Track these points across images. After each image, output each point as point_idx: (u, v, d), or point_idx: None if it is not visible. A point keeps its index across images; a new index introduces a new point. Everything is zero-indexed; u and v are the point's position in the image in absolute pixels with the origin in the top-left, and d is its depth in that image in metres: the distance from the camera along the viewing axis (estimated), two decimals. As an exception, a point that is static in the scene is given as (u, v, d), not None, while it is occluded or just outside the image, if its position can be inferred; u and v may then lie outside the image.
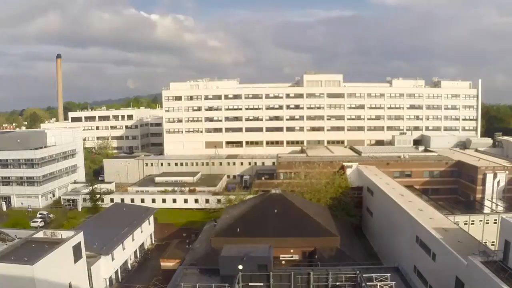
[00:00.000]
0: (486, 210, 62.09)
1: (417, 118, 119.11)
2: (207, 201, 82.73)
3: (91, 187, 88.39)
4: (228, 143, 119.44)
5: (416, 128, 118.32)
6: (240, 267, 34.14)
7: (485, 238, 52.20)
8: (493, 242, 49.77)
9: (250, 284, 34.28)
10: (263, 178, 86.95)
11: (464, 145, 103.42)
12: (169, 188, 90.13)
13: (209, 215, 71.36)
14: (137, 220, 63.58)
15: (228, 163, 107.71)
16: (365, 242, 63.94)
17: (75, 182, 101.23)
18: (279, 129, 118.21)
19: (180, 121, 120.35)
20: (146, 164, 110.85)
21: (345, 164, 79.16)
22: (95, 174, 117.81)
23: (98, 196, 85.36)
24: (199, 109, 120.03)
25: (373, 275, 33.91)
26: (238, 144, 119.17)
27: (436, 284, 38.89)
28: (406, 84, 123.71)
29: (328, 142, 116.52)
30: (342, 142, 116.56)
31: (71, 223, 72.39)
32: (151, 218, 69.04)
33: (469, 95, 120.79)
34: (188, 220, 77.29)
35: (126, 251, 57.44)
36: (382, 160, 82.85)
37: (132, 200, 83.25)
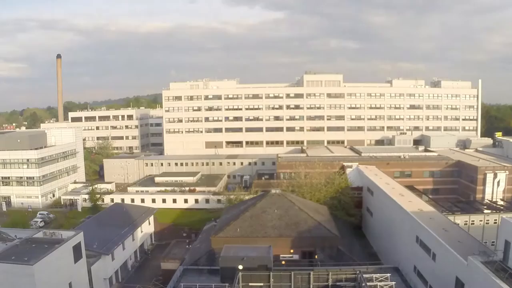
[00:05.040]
0: (486, 210, 62.04)
1: (417, 118, 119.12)
2: (207, 201, 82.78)
3: (91, 187, 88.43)
4: (228, 143, 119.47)
5: (416, 128, 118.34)
6: (240, 267, 34.14)
7: (485, 238, 52.24)
8: (493, 242, 49.76)
9: (250, 284, 34.24)
10: (263, 178, 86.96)
11: (464, 145, 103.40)
12: (169, 188, 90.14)
13: (209, 215, 71.34)
14: (137, 220, 63.67)
15: (228, 163, 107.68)
16: (365, 242, 63.96)
17: (75, 182, 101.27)
18: (279, 129, 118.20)
19: (180, 121, 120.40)
20: (146, 164, 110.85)
21: (345, 164, 79.14)
22: (97, 174, 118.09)
23: (98, 196, 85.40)
24: (199, 109, 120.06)
25: (373, 275, 33.91)
26: (238, 144, 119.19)
27: (436, 284, 38.87)
28: (406, 84, 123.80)
29: (328, 142, 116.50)
30: (342, 142, 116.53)
31: (71, 223, 72.44)
32: (151, 218, 69.14)
33: (469, 95, 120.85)
34: (188, 220, 77.30)
35: (126, 251, 57.51)
36: (382, 160, 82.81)
37: (132, 200, 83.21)
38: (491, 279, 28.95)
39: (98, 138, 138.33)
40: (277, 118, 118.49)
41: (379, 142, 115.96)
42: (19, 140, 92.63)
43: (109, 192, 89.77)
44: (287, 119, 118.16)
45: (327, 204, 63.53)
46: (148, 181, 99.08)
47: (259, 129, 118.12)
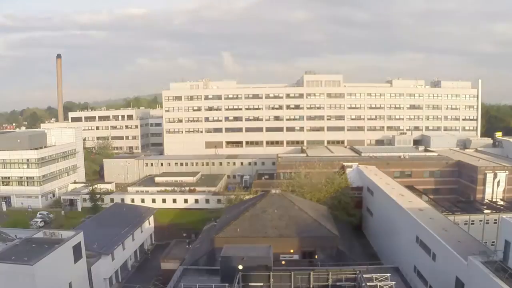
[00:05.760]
0: (486, 210, 62.03)
1: (417, 118, 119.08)
2: (207, 201, 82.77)
3: (91, 187, 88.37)
4: (228, 143, 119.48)
5: (416, 128, 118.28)
6: (240, 267, 34.15)
7: (485, 238, 52.23)
8: (493, 242, 49.77)
9: (250, 284, 34.28)
10: (263, 178, 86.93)
11: (464, 145, 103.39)
12: (169, 188, 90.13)
13: (209, 215, 71.33)
14: (137, 220, 63.62)
15: (228, 163, 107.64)
16: (365, 242, 63.88)
17: (75, 182, 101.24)
18: (279, 129, 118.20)
19: (180, 121, 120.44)
20: (146, 164, 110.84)
21: (345, 164, 79.13)
22: (97, 174, 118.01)
23: (98, 196, 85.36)
24: (199, 109, 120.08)
25: (373, 275, 33.93)
26: (238, 144, 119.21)
27: (436, 284, 38.86)
28: (406, 84, 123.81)
29: (328, 142, 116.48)
30: (342, 142, 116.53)
31: (71, 223, 72.41)
32: (151, 218, 69.10)
33: (469, 95, 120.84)
34: (188, 220, 77.29)
35: (126, 251, 57.45)
36: (382, 160, 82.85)
37: (132, 200, 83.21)
38: (491, 279, 28.94)
39: (98, 138, 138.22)
40: (277, 118, 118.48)
41: (379, 142, 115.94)
42: (19, 140, 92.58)
43: (109, 192, 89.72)
44: (287, 119, 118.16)
45: (327, 204, 63.52)
46: (148, 181, 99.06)
47: (259, 129, 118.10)
